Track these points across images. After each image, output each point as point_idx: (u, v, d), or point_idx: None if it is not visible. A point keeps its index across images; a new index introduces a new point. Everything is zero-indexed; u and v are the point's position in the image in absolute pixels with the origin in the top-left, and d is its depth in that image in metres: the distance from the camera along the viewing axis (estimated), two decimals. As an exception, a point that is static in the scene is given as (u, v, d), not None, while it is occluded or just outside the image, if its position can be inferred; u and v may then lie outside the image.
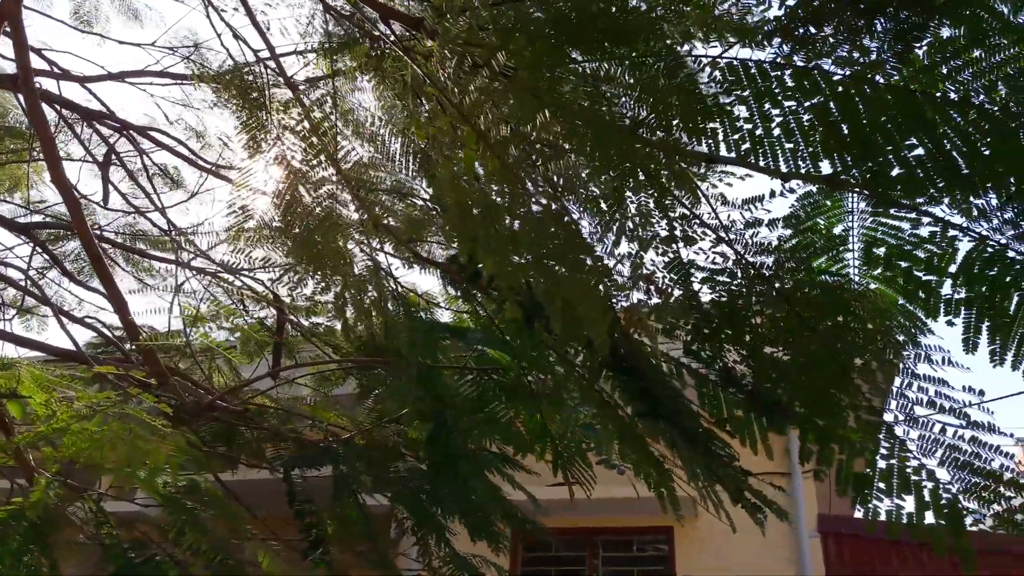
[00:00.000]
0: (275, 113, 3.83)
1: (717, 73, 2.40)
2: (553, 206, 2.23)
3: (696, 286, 3.17)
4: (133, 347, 4.02)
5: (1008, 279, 2.41)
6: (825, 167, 2.45)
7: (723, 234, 3.01)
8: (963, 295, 2.51)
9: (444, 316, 6.39)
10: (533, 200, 2.21)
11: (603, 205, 2.79)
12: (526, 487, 5.83)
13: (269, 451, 5.35)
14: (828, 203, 2.72)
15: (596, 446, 4.45)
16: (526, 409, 4.70)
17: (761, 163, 2.52)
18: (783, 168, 2.47)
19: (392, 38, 2.96)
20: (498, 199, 2.30)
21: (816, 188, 2.79)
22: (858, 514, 12.86)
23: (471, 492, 5.53)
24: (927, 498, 2.50)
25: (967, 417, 2.44)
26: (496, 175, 2.24)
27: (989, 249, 2.39)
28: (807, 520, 7.97)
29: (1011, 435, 2.42)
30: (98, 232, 5.33)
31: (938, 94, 2.02)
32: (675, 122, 2.47)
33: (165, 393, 3.72)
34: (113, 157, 5.36)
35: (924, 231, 2.51)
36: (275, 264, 5.50)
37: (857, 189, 2.58)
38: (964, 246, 2.46)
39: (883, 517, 2.56)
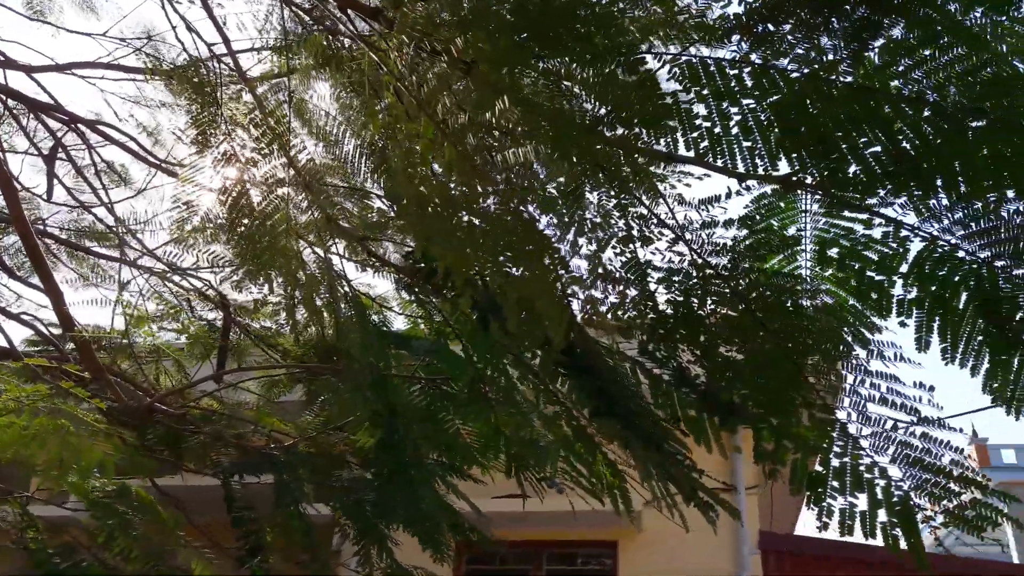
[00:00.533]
0: (227, 108, 3.74)
1: (677, 71, 2.41)
2: (512, 200, 2.19)
3: (652, 286, 3.17)
4: (69, 341, 3.86)
5: (957, 278, 2.45)
6: (783, 167, 2.46)
7: (680, 234, 3.02)
8: (914, 295, 2.54)
9: (398, 321, 6.29)
10: (491, 192, 2.18)
11: (561, 202, 2.77)
12: (473, 499, 5.78)
13: (213, 456, 5.20)
14: (782, 204, 2.74)
15: (538, 461, 4.43)
16: (478, 414, 4.65)
17: (719, 162, 2.53)
18: (740, 167, 2.48)
19: (350, 27, 2.91)
20: (455, 191, 2.26)
21: (771, 189, 2.82)
22: (799, 531, 13.07)
23: (420, 501, 5.45)
24: (879, 496, 2.52)
25: (918, 413, 2.47)
26: (453, 165, 2.19)
27: (940, 249, 2.43)
28: (749, 537, 8.06)
29: (960, 430, 2.45)
30: (40, 227, 5.13)
31: (893, 92, 2.05)
32: (635, 120, 2.46)
33: (101, 391, 3.57)
34: (59, 151, 5.17)
35: (876, 232, 2.54)
36: (222, 263, 5.36)
37: (811, 189, 2.61)
38: (916, 247, 2.50)
39: (837, 516, 2.57)
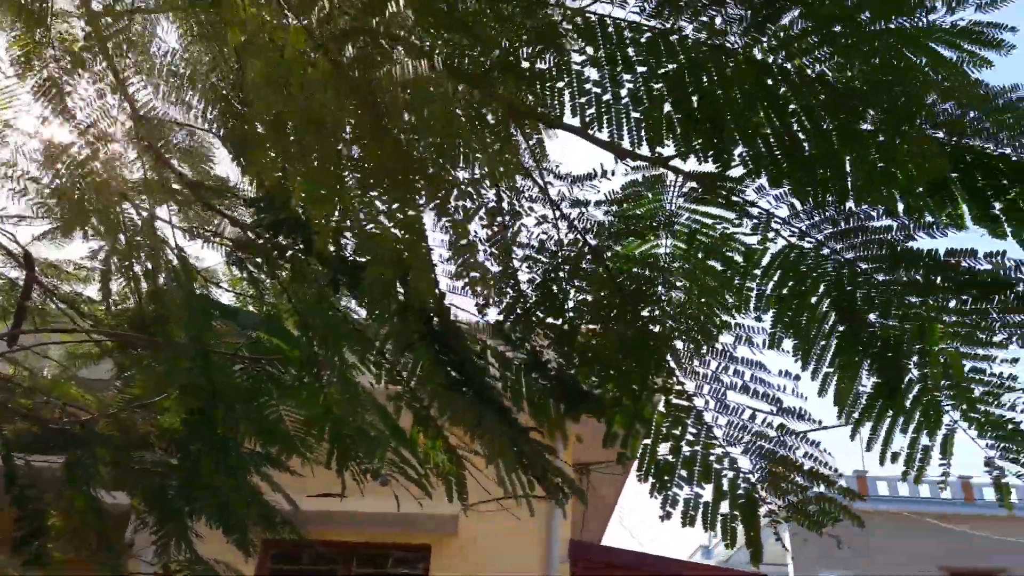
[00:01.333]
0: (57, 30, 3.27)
1: (575, 25, 2.29)
2: (392, 123, 1.97)
3: (516, 263, 3.04)
4: None
5: (814, 277, 2.49)
6: (671, 145, 2.40)
7: (550, 211, 2.91)
8: (771, 289, 2.56)
9: (224, 299, 5.81)
10: (369, 113, 1.94)
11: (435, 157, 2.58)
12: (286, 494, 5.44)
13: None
14: (657, 187, 2.69)
15: (367, 451, 4.19)
16: (308, 397, 4.34)
17: (604, 133, 2.43)
18: (626, 139, 2.39)
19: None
20: (325, 112, 2.00)
21: (647, 174, 2.77)
22: (606, 542, 13.49)
23: (230, 490, 5.06)
24: (725, 487, 2.50)
25: (779, 403, 2.47)
26: (323, 81, 1.94)
27: (805, 246, 2.46)
28: (559, 545, 8.17)
29: (820, 422, 2.48)
30: None
31: (794, 70, 2.02)
32: (525, 74, 2.31)
33: None
34: None
35: (746, 224, 2.54)
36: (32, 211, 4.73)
37: (688, 176, 2.57)
38: (781, 240, 2.51)
39: (681, 506, 2.53)
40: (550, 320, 3.06)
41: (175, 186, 4.58)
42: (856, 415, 2.69)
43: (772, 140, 2.11)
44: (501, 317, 3.19)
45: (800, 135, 2.07)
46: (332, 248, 2.85)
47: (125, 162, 4.86)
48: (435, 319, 2.66)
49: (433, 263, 2.56)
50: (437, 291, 2.53)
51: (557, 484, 2.75)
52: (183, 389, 4.27)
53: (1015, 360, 2.76)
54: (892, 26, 1.86)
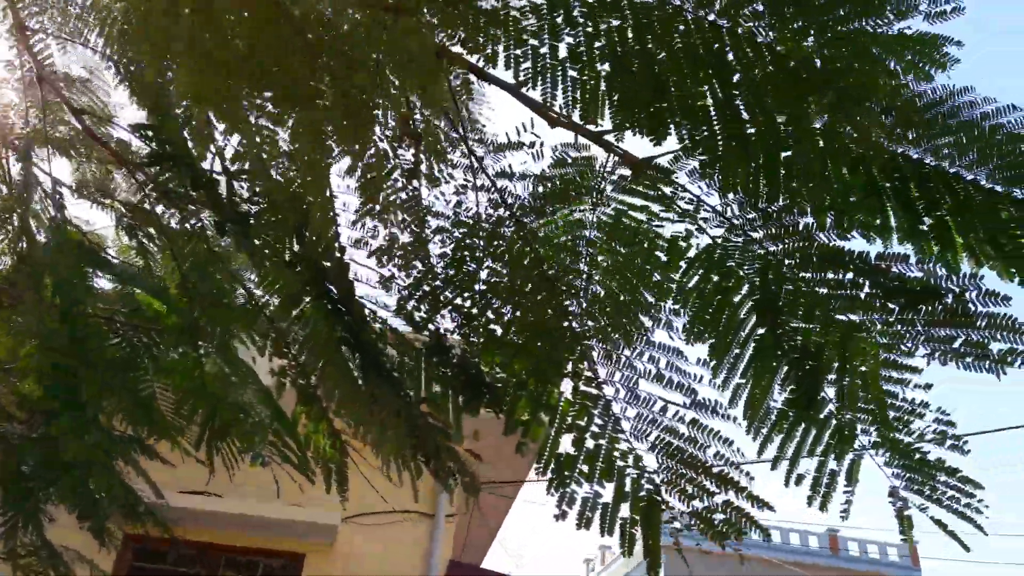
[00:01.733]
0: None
1: (517, -32, 2.11)
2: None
3: (428, 234, 2.82)
4: None
5: (739, 275, 2.36)
6: (606, 121, 2.23)
7: (472, 180, 2.71)
8: (694, 285, 2.41)
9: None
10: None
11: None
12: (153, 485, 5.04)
13: None
14: (585, 169, 2.52)
15: (246, 437, 3.88)
16: (183, 368, 3.98)
17: (538, 92, 2.25)
18: (560, 100, 2.22)
19: None
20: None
21: (574, 153, 2.60)
22: (486, 564, 13.23)
23: (92, 473, 4.64)
24: (627, 487, 2.31)
25: (694, 395, 2.31)
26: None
27: (732, 239, 2.33)
28: (438, 564, 7.93)
29: (735, 419, 2.32)
30: None
31: (744, 37, 1.89)
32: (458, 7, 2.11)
33: None
34: None
35: (674, 213, 2.39)
36: None
37: (619, 153, 2.41)
38: (711, 235, 2.37)
39: (578, 505, 2.32)
40: (459, 301, 2.84)
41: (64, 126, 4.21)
42: (765, 431, 2.57)
43: (714, 115, 1.97)
44: (406, 293, 2.95)
45: (743, 112, 1.93)
46: (225, 193, 2.56)
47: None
48: (331, 279, 2.40)
49: (335, 209, 2.32)
50: (336, 243, 2.28)
51: (449, 467, 2.51)
52: (43, 345, 3.85)
53: (928, 386, 2.70)
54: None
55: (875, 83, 1.73)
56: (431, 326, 2.98)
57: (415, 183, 2.72)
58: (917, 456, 2.71)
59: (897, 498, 2.79)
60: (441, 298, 2.90)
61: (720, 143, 2.03)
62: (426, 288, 2.89)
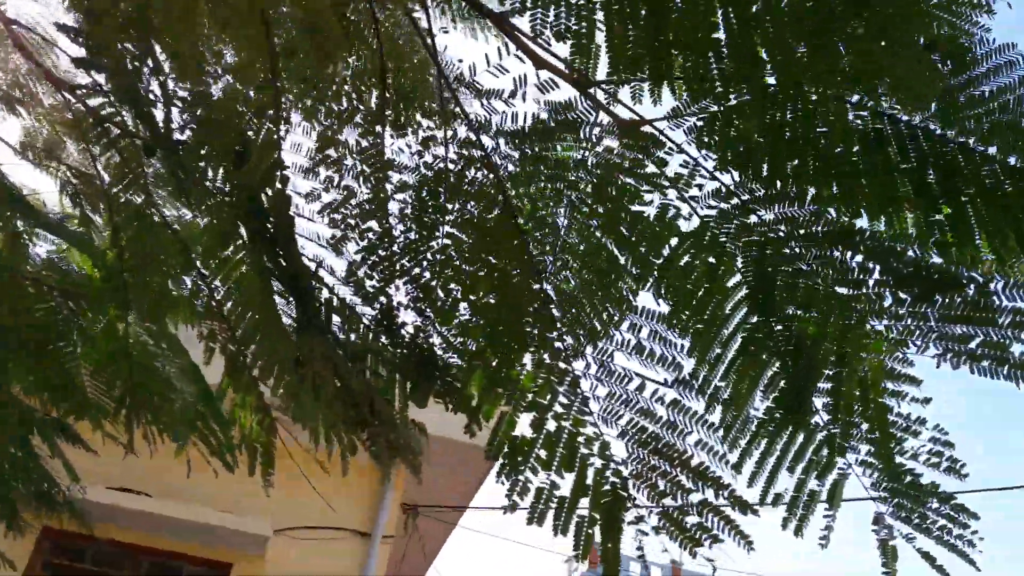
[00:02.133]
0: None
1: None
2: None
3: (390, 190, 2.52)
4: None
5: (732, 252, 2.08)
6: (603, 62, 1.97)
7: (438, 130, 2.42)
8: (684, 264, 2.13)
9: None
10: None
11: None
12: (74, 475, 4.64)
13: None
14: (570, 124, 2.24)
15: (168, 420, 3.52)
16: (106, 330, 3.61)
17: (527, 23, 1.98)
18: (550, 33, 1.95)
19: None
20: None
21: (558, 109, 2.33)
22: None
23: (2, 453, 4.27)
24: (589, 479, 1.99)
25: (679, 370, 2.00)
26: None
27: (732, 214, 2.05)
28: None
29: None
30: None
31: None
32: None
33: None
34: None
35: (668, 171, 2.11)
36: None
37: (608, 95, 2.14)
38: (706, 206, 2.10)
39: (531, 496, 2.00)
40: (417, 270, 2.54)
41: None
42: (744, 440, 2.27)
43: (725, 52, 1.71)
44: (359, 258, 2.64)
45: (759, 45, 1.68)
46: (162, 119, 2.25)
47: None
48: (269, 214, 2.08)
49: (280, 141, 2.01)
50: (279, 172, 1.98)
51: (390, 440, 2.18)
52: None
53: (927, 400, 2.44)
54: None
55: (917, 11, 1.49)
56: (382, 298, 2.67)
57: (379, 129, 2.44)
58: (909, 479, 2.44)
59: (882, 526, 2.51)
60: (397, 266, 2.60)
61: (732, 85, 1.77)
62: (381, 253, 2.59)
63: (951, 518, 2.40)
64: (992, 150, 1.88)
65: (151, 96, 2.27)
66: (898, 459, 2.43)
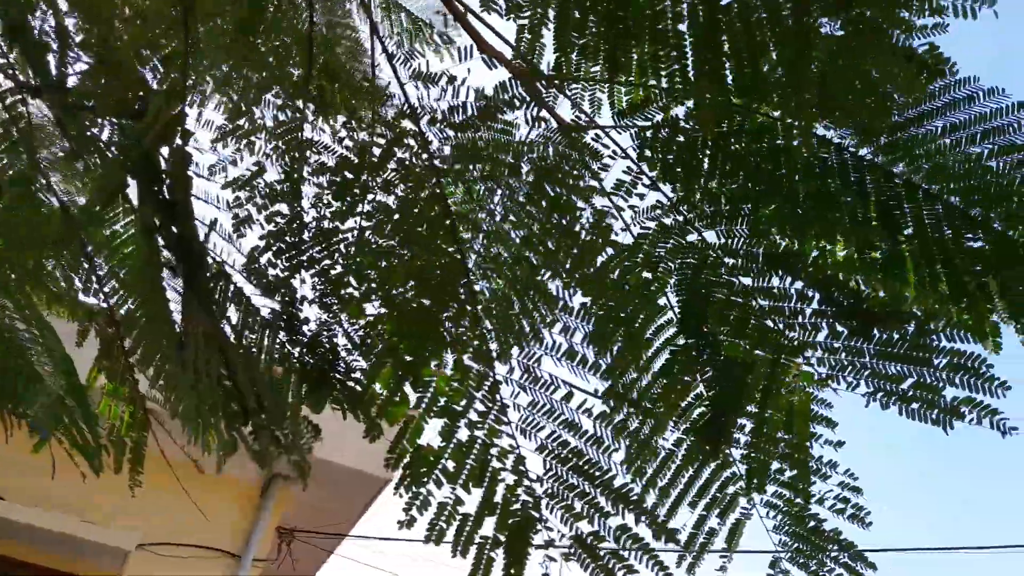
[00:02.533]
0: None
1: None
2: None
3: (307, 173, 2.31)
4: None
5: (665, 268, 1.97)
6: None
7: (369, 113, 2.24)
8: (616, 276, 2.00)
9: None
10: None
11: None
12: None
13: None
14: (508, 104, 2.08)
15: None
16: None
17: None
18: (503, 5, 1.81)
19: None
20: None
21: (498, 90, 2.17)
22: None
23: None
24: (498, 496, 1.81)
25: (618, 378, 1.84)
26: None
27: (671, 227, 1.94)
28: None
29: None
30: None
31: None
32: None
33: None
34: None
35: (611, 179, 1.98)
36: None
37: (556, 85, 2.01)
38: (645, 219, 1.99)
39: (431, 511, 1.80)
40: (328, 262, 2.33)
41: None
42: (650, 470, 2.13)
43: (688, 41, 1.61)
44: (263, 244, 2.41)
45: (726, 43, 1.58)
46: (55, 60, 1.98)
47: None
48: (163, 172, 1.83)
49: (185, 93, 1.79)
50: (179, 128, 1.75)
51: (276, 437, 1.94)
52: None
53: (840, 444, 2.38)
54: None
55: (893, 15, 1.42)
56: (284, 290, 2.44)
57: (299, 104, 2.24)
58: (810, 524, 2.36)
59: (778, 571, 2.41)
60: (305, 256, 2.38)
61: (690, 79, 1.67)
62: (289, 239, 2.37)
63: (849, 568, 2.33)
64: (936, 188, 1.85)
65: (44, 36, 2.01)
66: (802, 501, 2.35)
